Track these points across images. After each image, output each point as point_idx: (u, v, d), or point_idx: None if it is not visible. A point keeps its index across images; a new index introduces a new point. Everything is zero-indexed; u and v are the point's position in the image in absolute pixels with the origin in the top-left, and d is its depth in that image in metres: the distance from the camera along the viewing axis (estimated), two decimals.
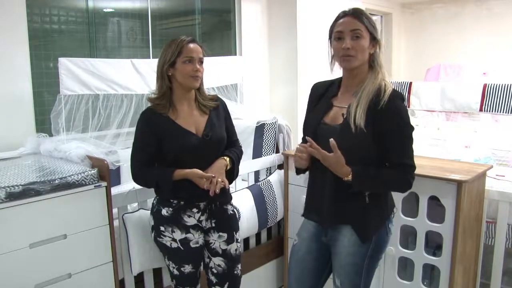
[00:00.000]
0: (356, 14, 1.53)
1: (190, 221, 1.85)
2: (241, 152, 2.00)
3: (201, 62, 1.82)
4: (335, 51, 1.57)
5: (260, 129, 2.98)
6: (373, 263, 1.64)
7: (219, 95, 2.04)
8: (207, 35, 3.55)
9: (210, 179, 1.76)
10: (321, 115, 1.62)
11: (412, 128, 1.55)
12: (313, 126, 1.62)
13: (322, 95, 1.68)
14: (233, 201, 2.01)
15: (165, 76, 1.81)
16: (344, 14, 1.55)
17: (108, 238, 1.95)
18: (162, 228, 1.85)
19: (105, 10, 2.90)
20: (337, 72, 1.66)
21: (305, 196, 1.80)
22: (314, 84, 1.76)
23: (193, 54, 1.78)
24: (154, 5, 3.05)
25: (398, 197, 2.15)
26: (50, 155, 2.19)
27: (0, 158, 2.15)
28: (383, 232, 1.63)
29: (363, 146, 1.51)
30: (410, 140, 1.54)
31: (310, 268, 1.72)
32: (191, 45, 1.79)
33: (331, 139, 1.47)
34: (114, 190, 2.06)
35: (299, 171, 1.72)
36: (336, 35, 1.54)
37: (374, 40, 1.55)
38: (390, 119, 1.50)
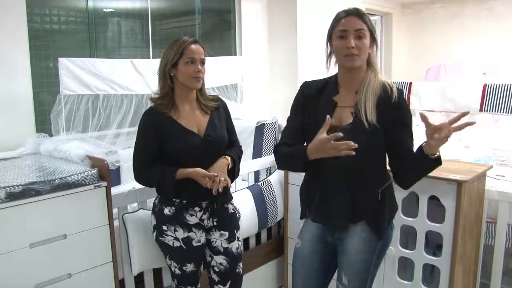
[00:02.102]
0: (359, 14, 1.55)
1: (192, 219, 1.86)
2: (241, 152, 2.01)
3: (203, 63, 1.82)
4: (337, 49, 1.56)
5: (260, 129, 2.98)
6: (379, 259, 1.67)
7: (219, 95, 2.05)
8: (207, 35, 3.55)
9: (213, 178, 1.77)
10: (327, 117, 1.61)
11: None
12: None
13: (317, 95, 1.65)
14: (233, 201, 2.01)
15: (167, 76, 1.82)
16: (346, 14, 1.55)
17: (108, 238, 1.95)
18: (164, 227, 1.85)
19: (105, 10, 2.90)
20: (333, 70, 1.66)
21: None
22: (304, 83, 1.73)
23: (195, 55, 1.78)
24: (154, 5, 3.05)
25: (398, 197, 2.15)
26: (50, 155, 2.19)
27: (0, 158, 2.15)
28: (389, 228, 1.67)
29: (376, 142, 1.55)
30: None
31: (315, 269, 1.72)
32: (193, 46, 1.79)
33: (421, 112, 1.45)
34: (114, 190, 2.06)
35: (304, 167, 1.63)
36: (339, 33, 1.54)
37: (373, 40, 1.57)
38: (403, 112, 1.58)
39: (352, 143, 1.37)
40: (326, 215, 1.67)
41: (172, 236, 1.85)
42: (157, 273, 2.25)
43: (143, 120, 1.85)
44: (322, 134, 1.42)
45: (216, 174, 1.78)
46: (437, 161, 1.50)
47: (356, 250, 1.61)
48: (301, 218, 1.78)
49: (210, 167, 1.82)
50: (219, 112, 1.94)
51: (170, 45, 1.81)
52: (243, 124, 3.00)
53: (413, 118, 1.64)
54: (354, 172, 1.57)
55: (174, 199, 1.84)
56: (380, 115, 1.53)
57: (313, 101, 1.65)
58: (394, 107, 1.55)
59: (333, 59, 1.62)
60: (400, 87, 1.63)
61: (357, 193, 1.58)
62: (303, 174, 1.75)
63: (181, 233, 1.85)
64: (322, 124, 1.57)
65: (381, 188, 1.60)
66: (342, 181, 1.59)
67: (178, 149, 1.81)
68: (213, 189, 1.77)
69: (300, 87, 1.73)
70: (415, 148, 1.57)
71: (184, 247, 1.86)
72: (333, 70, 1.66)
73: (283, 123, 3.00)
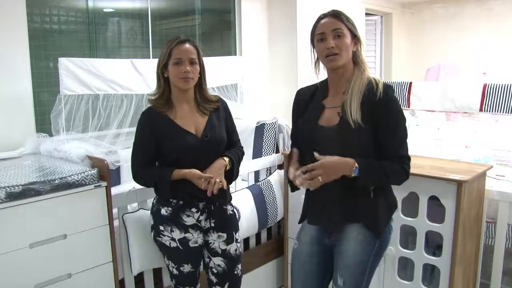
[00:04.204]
0: (335, 14, 1.57)
1: (189, 220, 1.86)
2: (242, 153, 1.99)
3: (192, 62, 1.79)
4: (319, 52, 1.59)
5: (260, 129, 2.98)
6: (376, 261, 1.66)
7: (219, 95, 2.04)
8: (207, 35, 3.55)
9: (208, 179, 1.76)
10: (315, 118, 1.62)
11: (405, 119, 1.57)
12: (309, 131, 1.61)
13: (310, 99, 1.68)
14: (233, 201, 2.01)
15: (160, 77, 1.83)
16: (323, 16, 1.59)
17: (108, 238, 1.95)
18: (161, 228, 1.85)
19: (105, 10, 2.90)
20: (323, 75, 1.67)
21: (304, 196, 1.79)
22: (298, 90, 1.76)
23: (181, 56, 1.77)
24: (154, 5, 3.05)
25: (398, 197, 2.15)
26: (50, 155, 2.19)
27: (0, 158, 2.15)
28: (387, 230, 1.65)
29: (362, 141, 1.53)
30: (405, 131, 1.57)
31: (313, 271, 1.72)
32: (181, 46, 1.78)
33: (315, 153, 1.48)
34: (114, 190, 2.06)
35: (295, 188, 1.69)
36: (318, 36, 1.57)
37: (355, 38, 1.58)
38: (387, 111, 1.52)
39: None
40: (320, 218, 1.67)
41: (168, 237, 1.85)
42: (157, 273, 2.25)
43: (141, 119, 1.85)
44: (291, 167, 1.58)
45: (211, 176, 1.77)
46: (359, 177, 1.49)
47: (353, 252, 1.61)
48: (299, 222, 1.78)
49: (207, 168, 1.81)
50: (218, 113, 1.93)
51: (163, 46, 1.82)
52: (243, 124, 3.00)
53: (411, 121, 1.60)
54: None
55: (170, 200, 1.84)
56: (365, 114, 1.51)
57: (305, 106, 1.69)
58: (378, 105, 1.51)
59: (322, 64, 1.64)
60: (390, 84, 1.59)
61: (349, 192, 1.57)
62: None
63: (177, 234, 1.84)
64: (308, 127, 1.61)
65: (373, 186, 1.58)
66: (334, 182, 1.56)
67: (174, 149, 1.80)
68: (208, 190, 1.76)
69: (295, 95, 1.77)
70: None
71: (181, 248, 1.85)
72: (323, 74, 1.67)
73: (283, 123, 3.01)
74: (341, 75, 1.59)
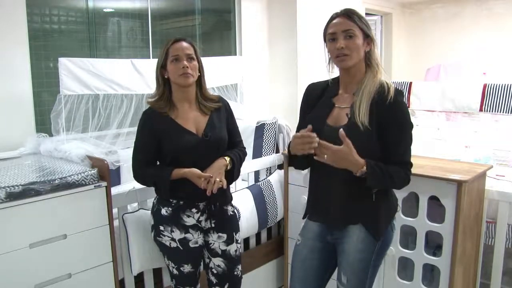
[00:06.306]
0: (347, 14, 1.55)
1: (189, 221, 1.86)
2: (244, 154, 1.99)
3: (190, 58, 1.80)
4: (330, 52, 1.58)
5: (260, 129, 2.98)
6: (379, 259, 1.66)
7: (219, 95, 2.04)
8: (207, 35, 3.55)
9: (207, 178, 1.76)
10: (324, 116, 1.62)
11: (412, 126, 1.57)
12: (316, 128, 1.60)
13: (319, 96, 1.68)
14: (233, 201, 2.01)
15: (159, 78, 1.84)
16: (336, 15, 1.57)
17: (108, 238, 1.95)
18: (161, 228, 1.85)
19: (105, 10, 2.90)
20: (336, 73, 1.67)
21: (305, 196, 1.79)
22: (309, 85, 1.76)
23: (178, 52, 1.78)
24: (154, 5, 3.05)
25: (398, 197, 2.15)
26: (50, 155, 2.19)
27: (0, 158, 2.15)
28: (389, 229, 1.66)
29: (369, 144, 1.53)
30: (410, 138, 1.57)
31: (313, 268, 1.72)
32: (177, 44, 1.80)
33: (341, 130, 1.45)
34: (114, 190, 2.06)
35: (297, 164, 1.69)
36: (329, 36, 1.57)
37: (368, 38, 1.56)
38: (396, 116, 1.53)
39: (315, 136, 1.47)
40: (322, 215, 1.68)
41: (169, 237, 1.85)
42: (157, 273, 2.25)
43: (142, 119, 1.86)
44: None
45: (211, 175, 1.77)
46: (366, 178, 1.50)
47: (355, 250, 1.61)
48: (303, 217, 1.79)
49: (207, 168, 1.81)
50: (219, 113, 1.93)
51: (161, 48, 1.84)
52: (243, 124, 3.00)
53: (412, 116, 1.61)
54: (348, 172, 1.55)
55: (171, 200, 1.84)
56: (373, 116, 1.51)
57: (314, 102, 1.68)
58: (387, 109, 1.51)
59: None
60: (400, 88, 1.59)
61: (351, 193, 1.58)
62: (304, 174, 1.75)
63: (177, 234, 1.84)
64: (317, 125, 1.59)
65: (375, 189, 1.58)
66: (336, 181, 1.58)
67: (175, 148, 1.80)
68: (207, 189, 1.76)
69: (305, 89, 1.76)
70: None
71: (181, 248, 1.85)
72: (336, 72, 1.67)
73: (283, 123, 3.01)
74: (353, 76, 1.59)
